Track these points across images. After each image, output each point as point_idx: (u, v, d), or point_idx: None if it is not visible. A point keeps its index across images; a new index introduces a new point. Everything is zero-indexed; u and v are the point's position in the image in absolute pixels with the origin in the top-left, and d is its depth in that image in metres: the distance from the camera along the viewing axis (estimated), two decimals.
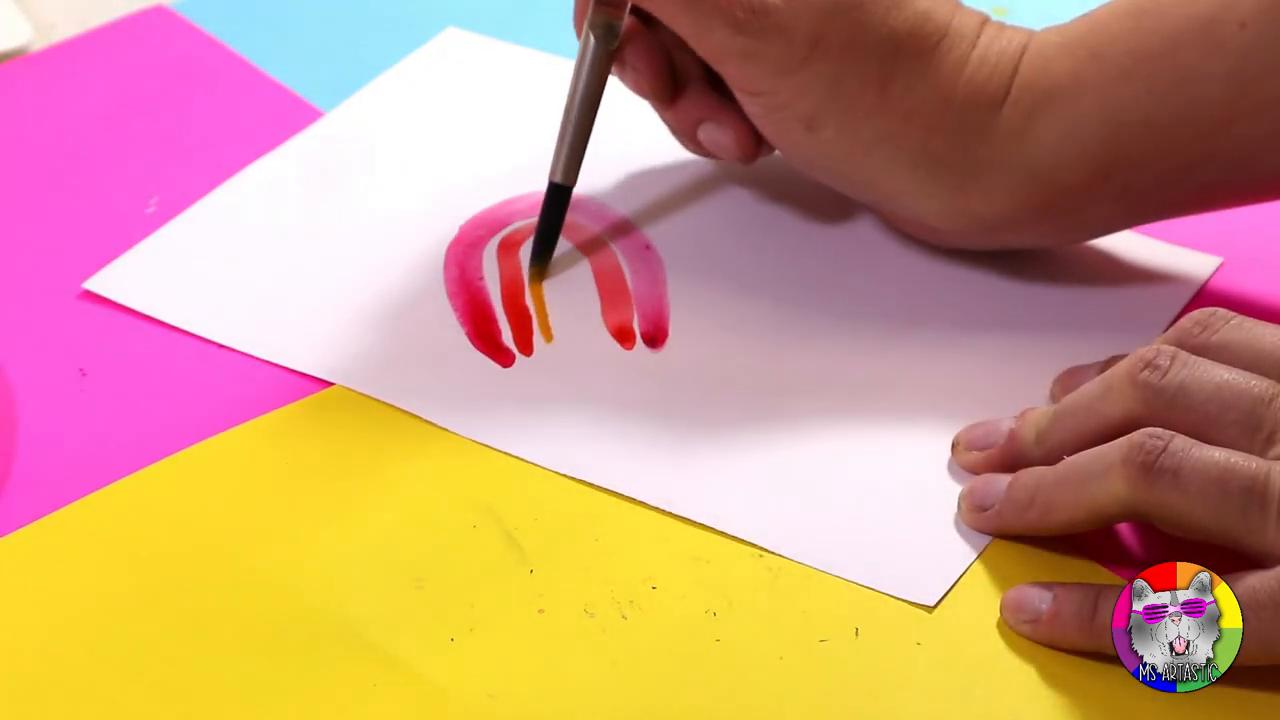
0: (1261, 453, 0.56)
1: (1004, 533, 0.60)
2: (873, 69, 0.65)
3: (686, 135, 0.70)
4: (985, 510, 0.60)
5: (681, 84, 0.69)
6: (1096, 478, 0.57)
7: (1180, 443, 0.56)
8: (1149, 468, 0.55)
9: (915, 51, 0.65)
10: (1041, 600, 0.57)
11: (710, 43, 0.65)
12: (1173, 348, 0.58)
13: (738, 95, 0.67)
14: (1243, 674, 0.54)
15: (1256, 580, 0.54)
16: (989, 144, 0.65)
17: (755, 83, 0.66)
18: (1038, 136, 0.65)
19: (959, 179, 0.66)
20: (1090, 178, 0.65)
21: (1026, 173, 0.65)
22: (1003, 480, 0.60)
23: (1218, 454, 0.55)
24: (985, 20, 0.67)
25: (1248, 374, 0.57)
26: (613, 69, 0.69)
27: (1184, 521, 0.56)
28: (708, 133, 0.69)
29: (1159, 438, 0.56)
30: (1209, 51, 0.63)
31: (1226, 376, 0.57)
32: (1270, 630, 0.54)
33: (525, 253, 0.71)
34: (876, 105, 0.65)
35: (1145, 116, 0.64)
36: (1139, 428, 0.57)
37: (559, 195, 0.70)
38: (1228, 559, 0.55)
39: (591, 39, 0.68)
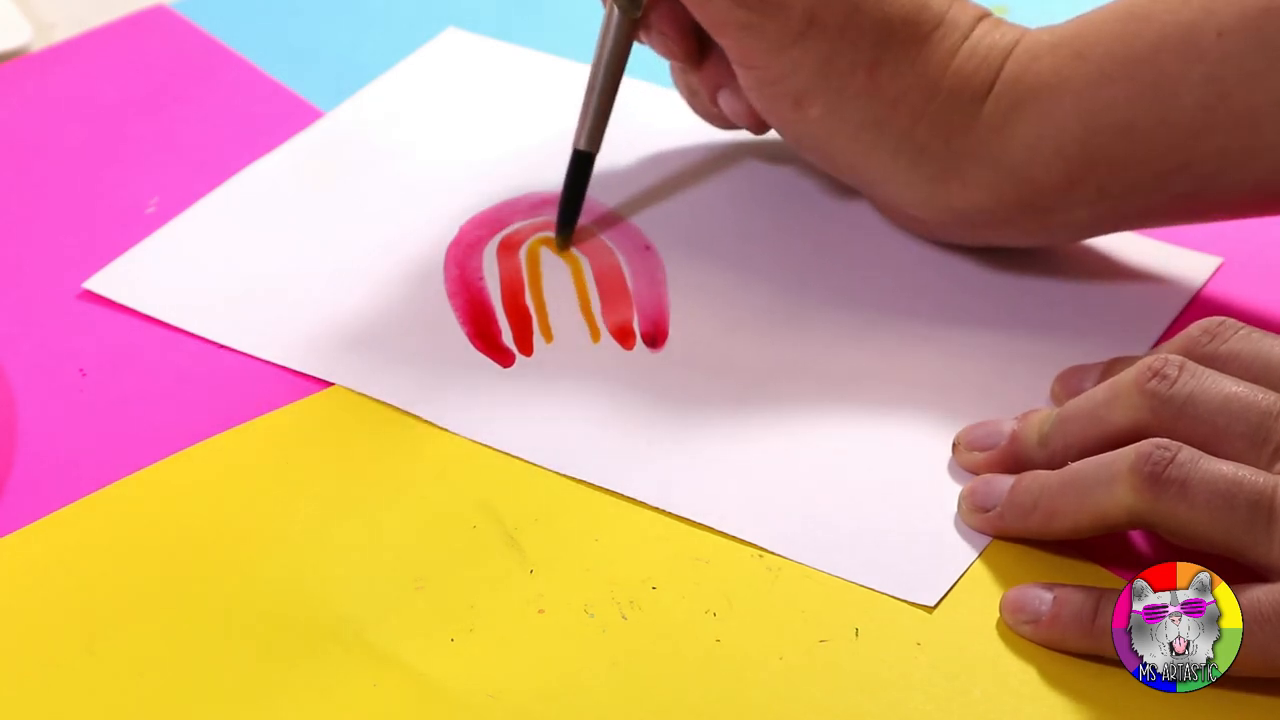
0: (1268, 466, 0.56)
1: (1004, 535, 0.60)
2: (864, 52, 0.66)
3: (709, 99, 0.71)
4: (986, 512, 0.60)
5: (706, 48, 0.70)
6: (1102, 485, 0.57)
7: (1188, 454, 0.56)
8: (1156, 478, 0.55)
9: (908, 38, 0.66)
10: (1041, 601, 0.57)
11: (710, 12, 0.66)
12: (1180, 358, 0.58)
13: (735, 68, 0.68)
14: (1242, 677, 0.54)
15: (1261, 593, 0.54)
16: (969, 136, 0.66)
17: (750, 56, 0.67)
18: (1016, 133, 0.65)
19: (939, 169, 0.66)
20: (1066, 178, 0.65)
21: (1004, 168, 0.66)
22: (1004, 481, 0.60)
23: (1225, 467, 0.55)
24: (983, 15, 0.67)
25: (1255, 387, 0.57)
26: (641, 35, 0.70)
27: (1189, 533, 0.56)
28: (725, 99, 0.70)
29: (1166, 449, 0.56)
30: (1188, 58, 0.63)
31: (1234, 389, 0.57)
32: (1272, 643, 0.54)
33: (525, 252, 0.71)
34: (865, 88, 0.66)
35: (1122, 119, 0.64)
36: (1144, 436, 0.56)
37: (583, 163, 0.71)
38: (1230, 569, 0.55)
39: (615, 8, 0.69)
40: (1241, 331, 0.59)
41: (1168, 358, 0.58)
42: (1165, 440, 0.56)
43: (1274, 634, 0.54)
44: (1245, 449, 0.56)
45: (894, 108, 0.66)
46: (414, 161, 0.76)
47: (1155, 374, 0.57)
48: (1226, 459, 0.56)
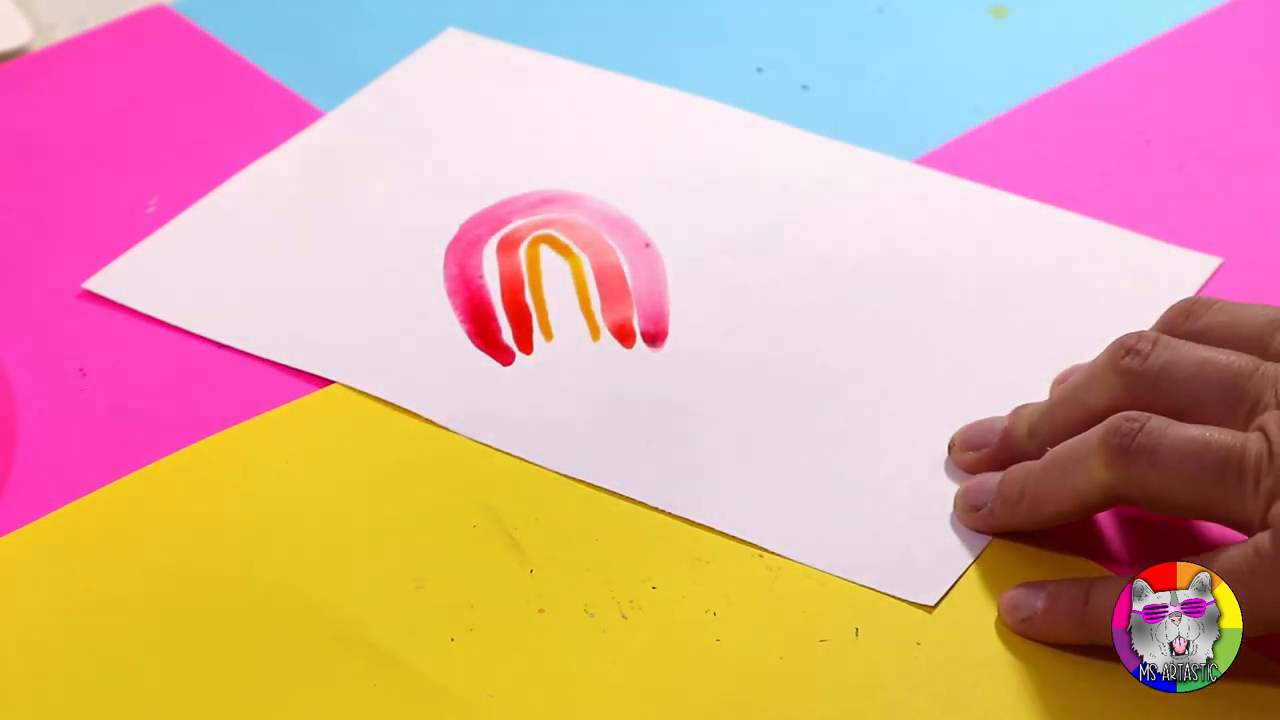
0: (1243, 426, 0.56)
1: (999, 530, 0.60)
2: None
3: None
4: (979, 509, 0.60)
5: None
6: (1077, 465, 0.57)
7: (1157, 422, 0.56)
8: (1125, 449, 0.55)
9: None
10: (1035, 598, 0.57)
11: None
12: (1155, 333, 0.58)
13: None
14: (1241, 671, 0.55)
15: (1234, 550, 0.54)
16: None
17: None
18: None
19: None
20: None
21: None
22: (996, 479, 0.60)
23: (1193, 430, 0.55)
24: None
25: (1229, 351, 0.57)
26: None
27: (1163, 499, 0.56)
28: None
29: (1134, 419, 0.56)
30: None
31: (1206, 355, 0.57)
32: (1250, 596, 0.54)
33: (524, 250, 0.71)
34: None
35: None
36: None
37: None
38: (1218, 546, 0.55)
39: None
40: (1216, 306, 0.59)
41: (1141, 333, 0.58)
42: (1133, 412, 0.56)
43: (1249, 587, 0.54)
44: (1222, 413, 0.56)
45: None
46: (414, 161, 0.76)
47: (1129, 351, 0.58)
48: (1202, 425, 0.56)
